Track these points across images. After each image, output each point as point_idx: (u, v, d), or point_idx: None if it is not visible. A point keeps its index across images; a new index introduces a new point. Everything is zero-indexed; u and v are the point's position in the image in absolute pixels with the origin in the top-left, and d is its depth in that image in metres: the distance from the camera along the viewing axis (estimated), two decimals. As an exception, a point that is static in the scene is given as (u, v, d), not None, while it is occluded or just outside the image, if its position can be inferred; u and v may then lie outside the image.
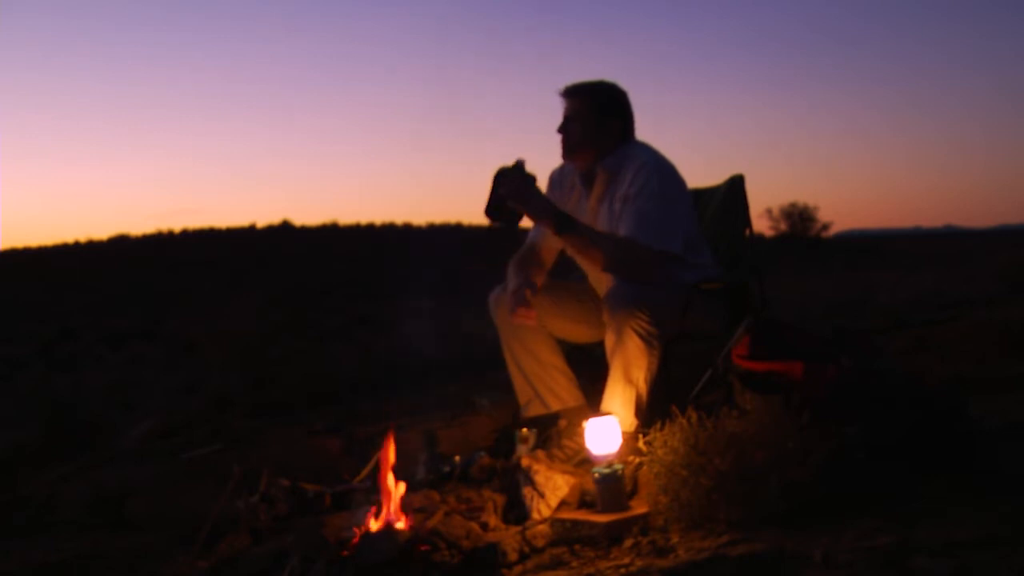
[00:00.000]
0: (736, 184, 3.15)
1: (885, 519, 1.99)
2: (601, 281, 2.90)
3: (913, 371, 3.01)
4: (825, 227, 30.02)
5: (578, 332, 3.02)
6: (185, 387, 6.25)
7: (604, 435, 2.39)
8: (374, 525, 2.35)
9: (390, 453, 2.50)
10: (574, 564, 2.13)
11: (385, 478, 2.44)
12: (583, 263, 3.04)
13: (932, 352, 4.41)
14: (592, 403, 2.90)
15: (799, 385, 2.46)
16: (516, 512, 2.52)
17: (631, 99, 2.95)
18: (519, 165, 2.78)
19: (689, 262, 2.84)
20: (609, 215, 2.86)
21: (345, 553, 2.24)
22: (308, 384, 5.29)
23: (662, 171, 2.84)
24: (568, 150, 2.95)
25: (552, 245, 3.08)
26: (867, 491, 2.14)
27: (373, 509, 2.41)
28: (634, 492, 2.44)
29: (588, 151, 2.92)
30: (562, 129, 2.94)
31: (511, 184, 2.75)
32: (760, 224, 29.75)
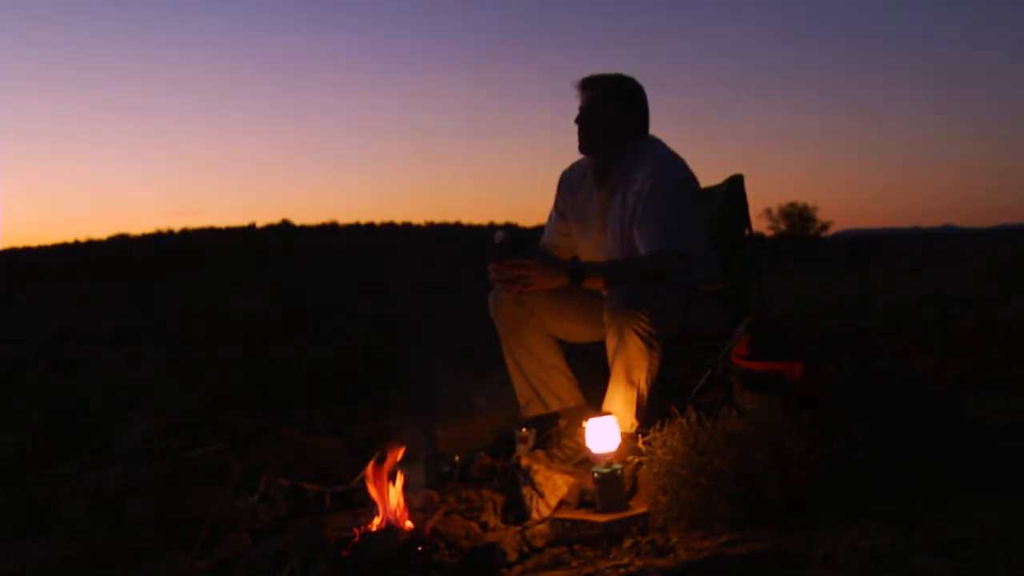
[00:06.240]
0: (735, 184, 3.15)
1: (885, 519, 1.99)
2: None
3: (913, 371, 3.01)
4: (824, 227, 30.08)
5: (578, 332, 3.02)
6: (185, 387, 6.24)
7: (603, 435, 2.39)
8: (374, 525, 2.35)
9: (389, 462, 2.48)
10: (574, 564, 2.13)
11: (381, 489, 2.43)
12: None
13: (932, 352, 4.41)
14: (592, 403, 2.90)
15: (799, 385, 2.46)
16: (516, 512, 2.52)
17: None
18: (506, 242, 2.75)
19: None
20: (621, 209, 2.87)
21: (345, 553, 2.25)
22: (308, 384, 5.28)
23: (677, 170, 2.86)
24: (585, 142, 2.95)
25: (566, 245, 3.09)
26: (867, 491, 2.14)
27: (368, 514, 2.41)
28: (633, 492, 2.44)
29: (604, 144, 2.91)
30: (579, 121, 2.93)
31: (515, 261, 2.73)
32: (760, 224, 29.78)
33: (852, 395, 2.38)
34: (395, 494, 2.41)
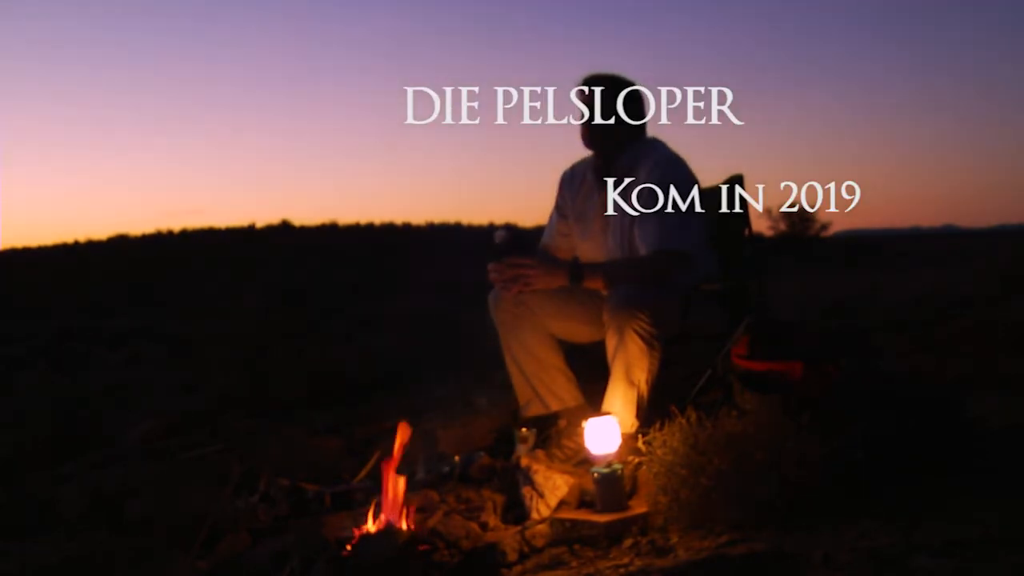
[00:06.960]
0: (736, 184, 3.15)
1: (885, 519, 1.99)
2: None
3: (913, 371, 3.01)
4: (825, 227, 30.00)
5: (578, 332, 3.02)
6: (185, 387, 6.24)
7: (603, 435, 2.39)
8: (374, 525, 2.35)
9: (398, 449, 2.47)
10: (573, 564, 2.13)
11: (389, 473, 2.42)
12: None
13: (932, 352, 4.41)
14: (592, 403, 2.90)
15: (799, 385, 2.46)
16: (515, 512, 2.52)
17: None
18: (506, 242, 2.76)
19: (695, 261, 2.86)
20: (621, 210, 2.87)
21: (345, 553, 2.25)
22: (308, 384, 5.27)
23: (677, 170, 2.86)
24: (587, 142, 2.96)
25: (566, 245, 3.09)
26: (867, 491, 2.14)
27: (372, 508, 2.40)
28: (633, 492, 2.44)
29: (606, 144, 2.93)
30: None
31: (516, 259, 2.74)
32: (760, 224, 29.69)
33: (852, 395, 2.39)
34: (395, 494, 2.41)
